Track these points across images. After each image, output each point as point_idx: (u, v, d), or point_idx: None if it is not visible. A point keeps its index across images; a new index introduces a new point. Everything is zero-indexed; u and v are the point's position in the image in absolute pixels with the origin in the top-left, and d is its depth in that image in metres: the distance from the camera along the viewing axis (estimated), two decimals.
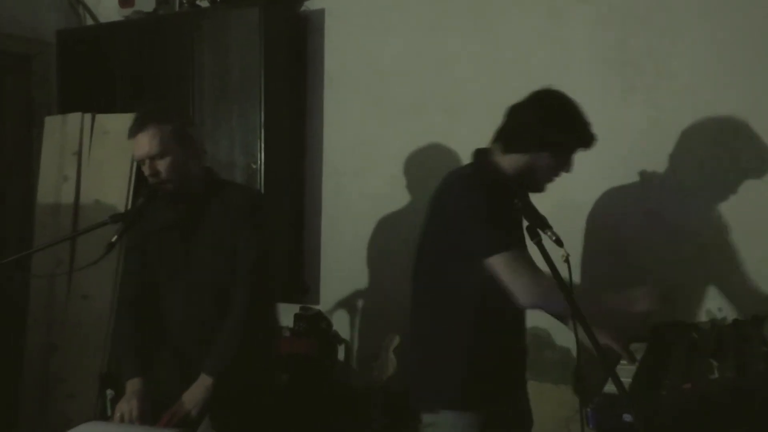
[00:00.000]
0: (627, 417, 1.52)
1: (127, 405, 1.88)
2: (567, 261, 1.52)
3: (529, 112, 1.88)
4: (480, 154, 1.97)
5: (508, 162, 1.90)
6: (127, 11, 3.37)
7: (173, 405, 1.90)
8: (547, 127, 1.85)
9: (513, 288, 1.73)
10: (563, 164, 1.92)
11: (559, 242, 1.55)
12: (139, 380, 1.95)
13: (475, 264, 1.77)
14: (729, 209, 2.41)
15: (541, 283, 1.71)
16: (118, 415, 1.88)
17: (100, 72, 3.34)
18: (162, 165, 1.96)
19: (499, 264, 1.73)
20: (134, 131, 1.98)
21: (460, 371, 1.86)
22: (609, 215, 2.59)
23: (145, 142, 1.95)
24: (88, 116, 3.20)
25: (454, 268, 1.85)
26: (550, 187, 1.98)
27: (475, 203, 1.80)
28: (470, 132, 2.84)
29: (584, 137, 1.89)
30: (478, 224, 1.78)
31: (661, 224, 2.51)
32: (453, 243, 1.83)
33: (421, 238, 1.98)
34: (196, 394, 1.91)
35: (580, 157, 2.60)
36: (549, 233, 1.57)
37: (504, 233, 1.78)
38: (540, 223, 1.61)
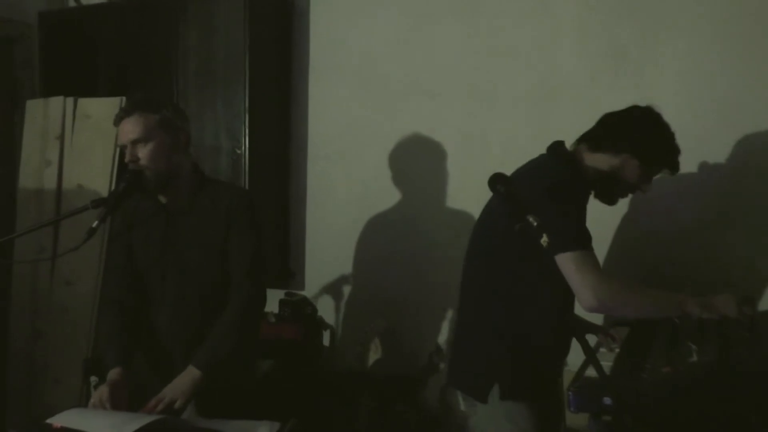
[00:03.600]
0: (607, 400, 1.53)
1: (99, 392, 1.87)
2: (548, 248, 1.53)
3: (629, 117, 1.86)
4: (558, 147, 1.91)
5: (593, 161, 1.86)
6: None
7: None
8: (645, 133, 1.83)
9: (583, 287, 1.65)
10: (646, 179, 1.88)
11: (540, 229, 1.55)
12: (119, 370, 1.93)
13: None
14: (716, 199, 2.44)
15: (613, 286, 1.64)
16: (91, 401, 1.87)
17: (83, 55, 3.30)
18: (143, 151, 1.93)
19: (580, 262, 1.66)
20: (120, 117, 1.96)
21: (508, 362, 1.83)
22: (593, 202, 2.60)
23: (129, 128, 1.93)
24: (70, 100, 3.16)
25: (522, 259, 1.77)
26: None
27: (562, 195, 1.73)
28: (456, 118, 2.87)
29: (675, 158, 1.89)
30: (565, 216, 1.70)
31: (645, 213, 2.53)
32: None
33: (481, 226, 1.94)
34: (181, 385, 1.89)
35: (569, 142, 2.62)
36: (531, 219, 1.58)
37: (585, 229, 1.73)
38: (523, 210, 1.61)
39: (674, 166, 1.91)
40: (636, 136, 1.84)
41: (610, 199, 1.94)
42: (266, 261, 2.13)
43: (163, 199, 2.03)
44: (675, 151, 1.90)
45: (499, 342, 1.85)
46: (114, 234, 2.08)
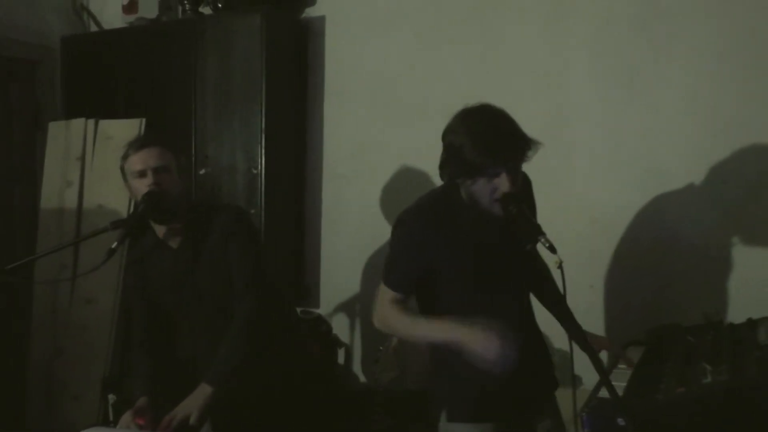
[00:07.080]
0: (621, 421, 1.53)
1: (125, 417, 1.97)
2: (560, 267, 1.54)
3: (444, 140, 1.77)
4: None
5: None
6: (131, 18, 3.40)
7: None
8: (455, 155, 1.69)
9: (374, 312, 1.87)
10: (490, 186, 1.66)
11: (552, 249, 1.56)
12: (146, 399, 2.02)
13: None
14: (726, 213, 2.43)
15: (388, 320, 1.83)
16: (120, 424, 1.96)
17: (103, 78, 3.38)
18: (165, 178, 2.04)
19: (381, 292, 1.84)
20: (143, 145, 2.07)
21: (447, 383, 1.87)
22: (605, 217, 2.61)
23: (155, 154, 2.05)
24: (91, 122, 3.23)
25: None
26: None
27: (399, 234, 1.82)
28: None
29: (489, 158, 1.64)
30: (392, 253, 1.84)
31: (657, 227, 2.53)
32: None
33: None
34: (194, 401, 1.95)
35: (581, 158, 2.65)
36: (543, 240, 1.59)
37: (404, 274, 1.80)
38: (533, 230, 1.62)
39: (496, 163, 1.64)
40: (448, 162, 1.73)
41: (489, 212, 1.71)
42: (266, 271, 2.18)
43: (160, 232, 2.11)
44: (481, 153, 1.64)
45: (441, 367, 1.89)
46: (128, 275, 2.20)
